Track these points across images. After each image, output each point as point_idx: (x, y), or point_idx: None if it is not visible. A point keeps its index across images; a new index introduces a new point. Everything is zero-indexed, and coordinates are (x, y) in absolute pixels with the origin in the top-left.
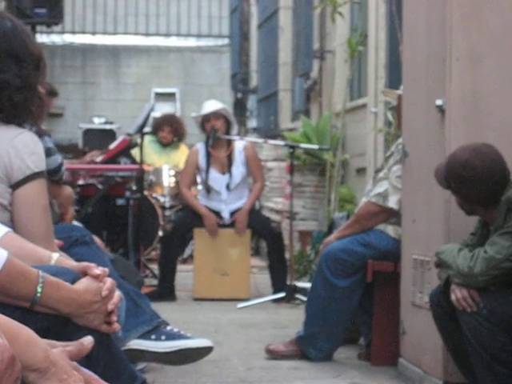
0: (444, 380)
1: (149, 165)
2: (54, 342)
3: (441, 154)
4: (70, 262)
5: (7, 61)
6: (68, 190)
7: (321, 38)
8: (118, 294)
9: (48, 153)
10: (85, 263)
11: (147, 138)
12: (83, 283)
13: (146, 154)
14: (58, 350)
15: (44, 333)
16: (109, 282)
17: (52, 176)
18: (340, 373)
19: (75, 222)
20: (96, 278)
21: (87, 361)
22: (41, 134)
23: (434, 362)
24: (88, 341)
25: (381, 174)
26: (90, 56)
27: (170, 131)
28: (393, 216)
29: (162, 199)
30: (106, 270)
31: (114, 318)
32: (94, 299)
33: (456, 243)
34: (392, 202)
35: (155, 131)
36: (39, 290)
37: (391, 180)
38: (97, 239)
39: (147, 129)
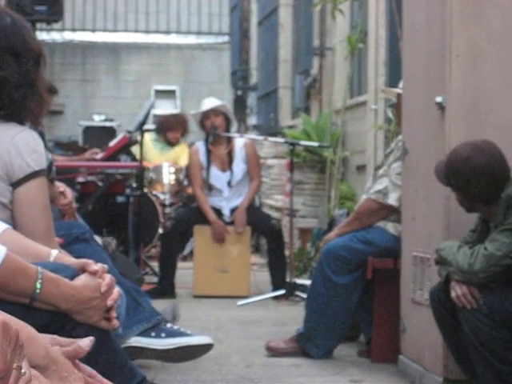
0: (444, 377)
1: (148, 161)
2: (57, 337)
3: (441, 150)
4: (68, 259)
5: (7, 57)
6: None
7: (321, 35)
8: (117, 290)
9: None
10: (83, 260)
11: (149, 137)
12: (82, 279)
13: (147, 151)
14: (57, 349)
15: (43, 329)
16: (108, 278)
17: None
18: (340, 370)
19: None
20: (94, 274)
21: (87, 358)
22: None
23: (434, 359)
24: (86, 343)
25: (381, 171)
26: (90, 53)
27: (181, 132)
28: (393, 213)
29: (162, 196)
30: (105, 266)
31: (114, 314)
32: (93, 295)
33: (456, 240)
34: (392, 199)
35: (165, 130)
36: (38, 286)
37: (391, 177)
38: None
39: (149, 126)
